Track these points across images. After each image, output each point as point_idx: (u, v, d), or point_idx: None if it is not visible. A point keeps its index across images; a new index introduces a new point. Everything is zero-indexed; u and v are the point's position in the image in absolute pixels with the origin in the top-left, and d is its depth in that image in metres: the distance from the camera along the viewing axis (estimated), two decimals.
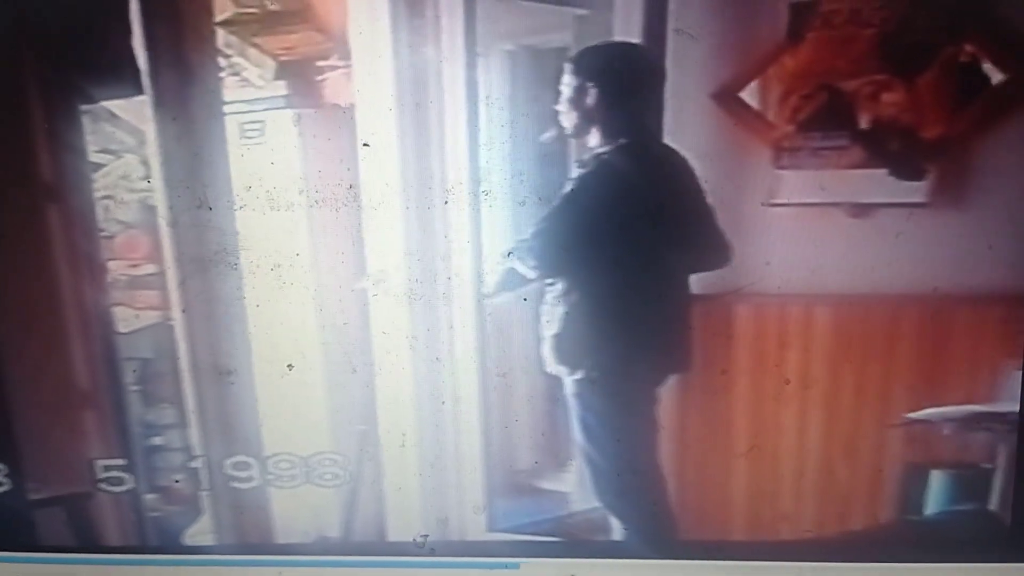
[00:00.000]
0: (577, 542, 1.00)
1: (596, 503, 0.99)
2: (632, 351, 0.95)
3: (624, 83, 0.87)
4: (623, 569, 0.98)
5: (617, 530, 0.99)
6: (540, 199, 0.88)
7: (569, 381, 0.95)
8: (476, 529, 1.00)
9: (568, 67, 0.86)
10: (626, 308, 0.93)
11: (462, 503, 1.00)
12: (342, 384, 0.96)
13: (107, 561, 1.02)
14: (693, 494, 0.97)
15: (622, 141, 0.89)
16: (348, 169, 0.89)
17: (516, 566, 0.98)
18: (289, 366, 0.94)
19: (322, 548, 1.02)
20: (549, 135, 0.88)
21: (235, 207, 0.89)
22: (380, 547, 1.00)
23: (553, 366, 0.94)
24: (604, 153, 0.89)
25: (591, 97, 0.87)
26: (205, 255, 0.91)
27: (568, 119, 0.87)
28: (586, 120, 0.88)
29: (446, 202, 0.89)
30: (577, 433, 0.96)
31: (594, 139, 0.89)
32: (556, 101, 0.87)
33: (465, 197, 0.88)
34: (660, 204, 0.91)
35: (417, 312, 0.92)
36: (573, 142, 0.89)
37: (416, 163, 0.89)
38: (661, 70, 0.85)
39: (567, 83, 0.86)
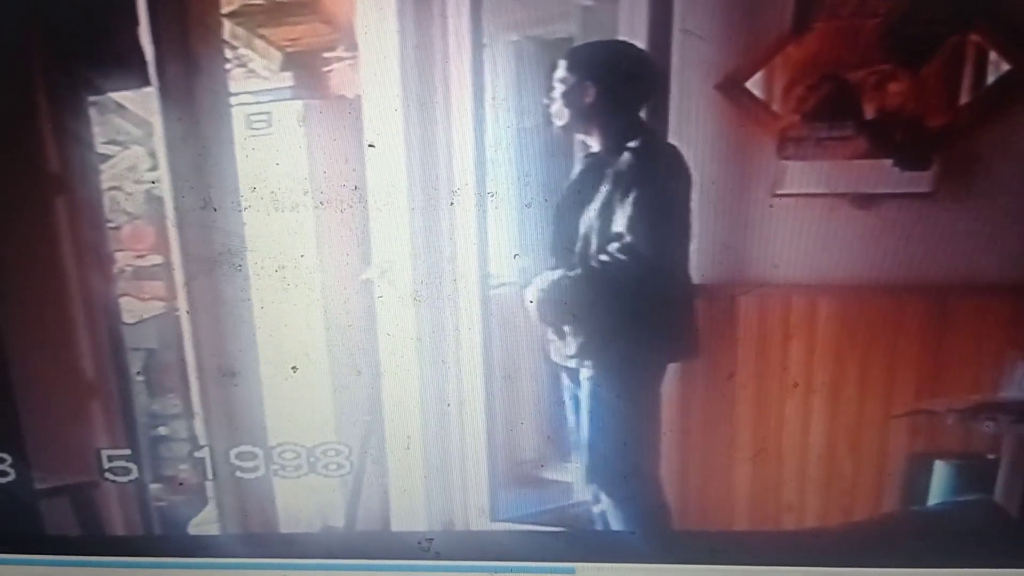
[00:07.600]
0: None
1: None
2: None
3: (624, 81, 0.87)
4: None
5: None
6: (546, 201, 0.87)
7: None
8: (480, 527, 1.01)
9: (564, 63, 0.86)
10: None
11: (467, 505, 1.00)
12: (347, 386, 0.96)
13: (113, 564, 1.02)
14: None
15: (627, 142, 0.89)
16: (354, 170, 0.88)
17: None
18: (293, 368, 0.94)
19: (331, 547, 1.02)
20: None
21: (240, 208, 0.89)
22: (385, 536, 1.01)
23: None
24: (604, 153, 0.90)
25: (590, 95, 0.87)
26: (210, 256, 0.91)
27: (561, 115, 0.88)
28: (583, 118, 0.88)
29: (452, 203, 0.89)
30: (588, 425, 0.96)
31: (593, 138, 0.89)
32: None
33: (471, 198, 0.88)
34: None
35: (423, 314, 0.92)
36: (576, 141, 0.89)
37: (422, 164, 0.89)
38: (663, 67, 0.85)
39: (563, 79, 0.87)
